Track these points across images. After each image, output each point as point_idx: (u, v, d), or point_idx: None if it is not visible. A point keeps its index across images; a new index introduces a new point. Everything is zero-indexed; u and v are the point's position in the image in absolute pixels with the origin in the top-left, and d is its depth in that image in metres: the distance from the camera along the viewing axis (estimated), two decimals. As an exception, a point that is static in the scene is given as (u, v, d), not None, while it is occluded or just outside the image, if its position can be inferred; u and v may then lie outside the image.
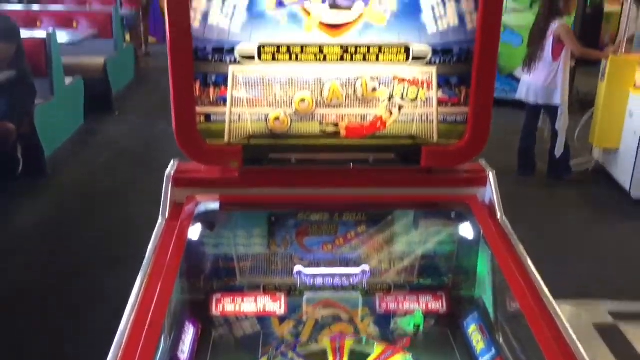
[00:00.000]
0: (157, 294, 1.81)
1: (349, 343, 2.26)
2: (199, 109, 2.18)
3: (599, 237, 4.90)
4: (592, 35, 9.33)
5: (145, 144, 6.54)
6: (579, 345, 1.67)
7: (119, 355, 1.57)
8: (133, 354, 1.58)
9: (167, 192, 2.23)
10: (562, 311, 1.81)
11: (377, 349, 2.19)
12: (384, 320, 2.41)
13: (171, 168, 2.32)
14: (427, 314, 2.40)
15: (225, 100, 2.18)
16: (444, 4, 2.13)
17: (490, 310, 2.30)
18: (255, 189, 2.32)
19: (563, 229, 4.96)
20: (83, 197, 5.32)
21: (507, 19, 7.44)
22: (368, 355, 2.20)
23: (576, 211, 5.40)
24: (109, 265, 4.10)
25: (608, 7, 10.37)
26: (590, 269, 4.36)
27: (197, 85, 2.16)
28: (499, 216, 2.23)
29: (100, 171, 5.89)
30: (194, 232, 2.26)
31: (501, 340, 2.20)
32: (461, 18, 2.14)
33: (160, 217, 2.19)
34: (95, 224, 4.79)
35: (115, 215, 4.91)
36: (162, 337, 2.05)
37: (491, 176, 2.32)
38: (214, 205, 2.31)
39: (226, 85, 2.16)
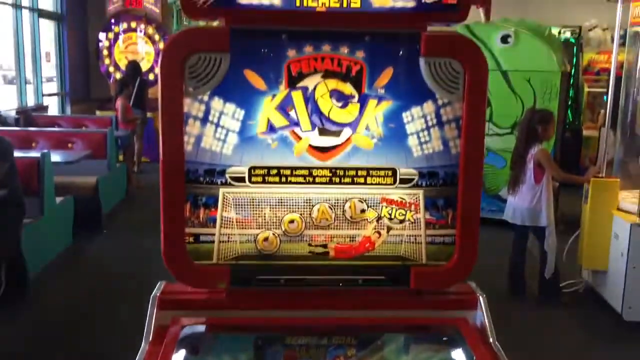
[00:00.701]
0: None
1: None
2: (188, 230, 2.19)
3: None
4: (572, 158, 9.64)
5: (133, 264, 6.46)
6: None
7: None
8: None
9: (151, 315, 2.19)
10: None
11: None
12: None
13: (157, 290, 2.29)
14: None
15: (214, 221, 2.19)
16: (429, 130, 2.22)
17: None
18: (242, 311, 2.28)
19: (556, 353, 4.84)
20: (65, 321, 5.16)
21: (490, 142, 7.70)
22: None
23: (568, 335, 5.29)
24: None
25: (586, 132, 10.80)
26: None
27: (188, 206, 2.18)
28: (490, 340, 2.19)
29: (84, 294, 5.76)
30: (178, 358, 2.19)
31: None
32: (445, 143, 2.22)
33: (143, 342, 2.13)
34: (75, 352, 4.62)
35: (97, 341, 4.74)
36: None
37: (481, 300, 2.31)
38: (200, 328, 2.26)
39: (216, 207, 2.19)
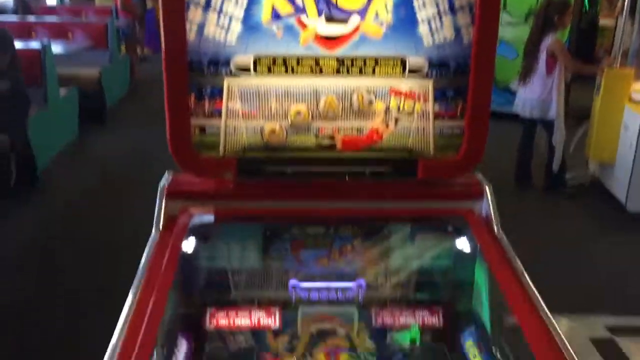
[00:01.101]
0: (150, 308, 1.78)
1: (344, 357, 2.23)
2: (193, 121, 2.16)
3: (595, 251, 4.88)
4: (587, 48, 9.37)
5: (139, 156, 6.52)
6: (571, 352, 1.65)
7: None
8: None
9: (160, 204, 2.21)
10: (559, 325, 1.79)
11: None
12: (379, 335, 2.38)
13: (165, 180, 2.29)
14: (424, 329, 2.37)
15: (220, 113, 2.16)
16: (440, 17, 2.12)
17: (487, 325, 2.28)
18: (250, 202, 2.30)
19: (559, 243, 4.95)
20: (76, 210, 5.28)
21: (502, 32, 7.47)
22: None
23: (572, 225, 5.39)
24: (101, 280, 4.05)
25: (602, 21, 10.43)
26: (587, 283, 4.34)
27: (192, 98, 2.14)
28: (495, 230, 2.22)
29: (93, 183, 5.86)
30: (188, 245, 2.24)
31: (498, 355, 2.17)
32: (457, 31, 2.14)
33: (153, 230, 2.16)
34: (87, 237, 4.75)
35: (107, 229, 4.87)
36: (155, 352, 2.02)
37: (487, 190, 2.31)
38: (208, 218, 2.28)
39: (221, 98, 2.15)
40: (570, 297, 3.98)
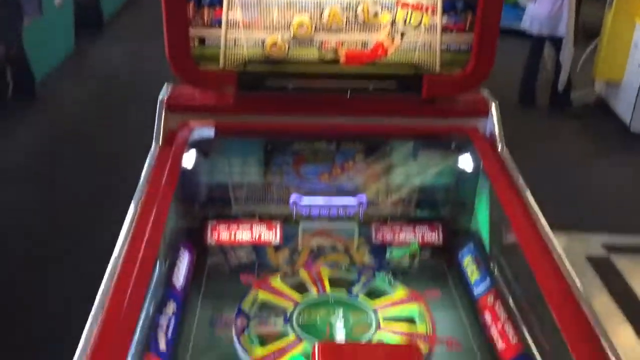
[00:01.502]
0: (151, 219, 1.78)
1: (324, 271, 2.24)
2: (192, 32, 2.09)
3: (597, 170, 4.88)
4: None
5: (138, 68, 6.39)
6: (575, 278, 1.66)
7: (114, 279, 1.55)
8: (128, 278, 1.56)
9: (160, 117, 2.17)
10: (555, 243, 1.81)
11: (399, 292, 2.17)
12: (379, 251, 2.40)
13: (164, 92, 2.24)
14: (423, 246, 2.39)
15: (220, 23, 2.08)
16: None
17: (486, 242, 2.30)
18: (250, 116, 2.26)
19: (561, 162, 4.94)
20: (75, 122, 5.23)
21: (514, -57, 7.17)
22: (350, 282, 2.21)
23: (575, 144, 5.36)
24: (102, 192, 4.07)
25: None
26: (586, 201, 4.36)
27: (191, 6, 2.06)
28: (499, 148, 2.19)
29: (91, 96, 5.78)
30: (189, 158, 2.22)
31: (496, 271, 2.20)
32: (469, -62, 2.03)
33: (153, 143, 2.14)
34: (87, 149, 4.73)
35: (106, 142, 4.85)
36: (157, 263, 2.04)
37: (494, 107, 2.26)
38: (209, 132, 2.25)
39: (221, 6, 2.07)
40: (568, 215, 4.01)
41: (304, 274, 2.24)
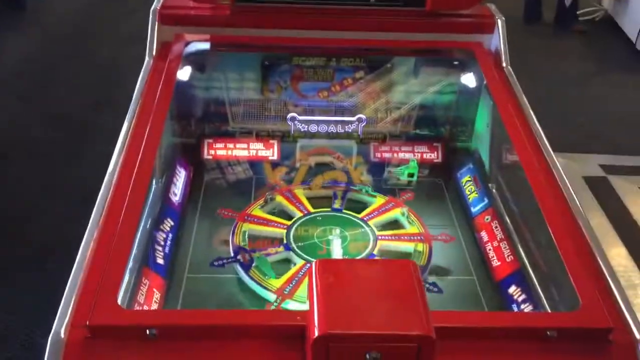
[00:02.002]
0: (146, 134, 1.74)
1: (299, 192, 2.23)
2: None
3: (600, 89, 4.80)
4: None
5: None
6: (575, 197, 1.65)
7: (109, 195, 1.54)
8: (123, 194, 1.54)
9: (153, 29, 2.09)
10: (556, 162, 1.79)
11: (379, 200, 2.18)
12: (377, 169, 2.38)
13: (157, 2, 2.15)
14: (422, 164, 2.37)
15: None
16: None
17: (486, 161, 2.28)
18: (247, 29, 2.18)
19: (564, 80, 4.85)
20: (65, 31, 5.09)
21: None
22: (365, 203, 2.21)
23: (579, 62, 5.25)
24: (95, 105, 4.00)
25: None
26: (587, 121, 4.32)
27: None
28: (504, 64, 2.13)
29: (82, 7, 5.59)
30: (184, 73, 2.16)
31: (494, 190, 2.19)
32: None
33: (146, 56, 2.07)
34: (77, 62, 4.62)
35: (97, 54, 4.73)
36: (153, 180, 2.02)
37: (499, 23, 2.18)
38: (204, 45, 2.18)
39: None
40: (568, 135, 3.98)
41: (281, 199, 2.20)
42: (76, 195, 2.92)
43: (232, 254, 1.94)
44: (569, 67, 5.14)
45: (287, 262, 1.96)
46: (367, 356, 1.00)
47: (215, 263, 1.90)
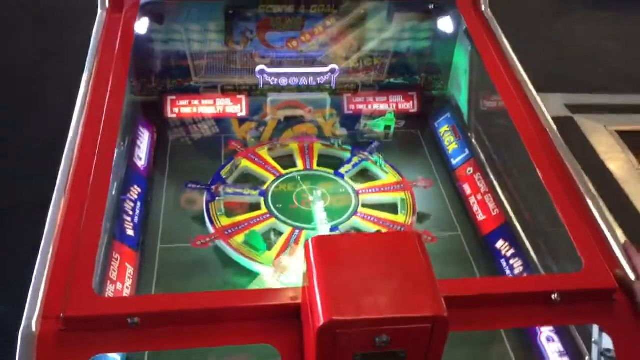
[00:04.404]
0: (108, 94, 1.58)
1: (316, 146, 2.15)
2: None
3: (564, 26, 4.75)
4: None
5: None
6: (560, 138, 1.60)
7: (72, 165, 1.39)
8: (88, 163, 1.40)
9: (105, -22, 1.89)
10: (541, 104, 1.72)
11: (390, 178, 2.05)
12: (351, 122, 2.28)
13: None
14: (397, 115, 2.27)
15: None
16: None
17: (464, 110, 2.20)
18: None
19: (527, 19, 4.77)
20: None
21: None
22: (339, 160, 2.11)
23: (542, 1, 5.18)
24: (45, 57, 3.74)
25: None
26: (551, 60, 4.27)
27: None
28: (483, 8, 2.02)
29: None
30: (141, 25, 1.98)
31: (474, 140, 2.12)
32: None
33: (99, 8, 1.87)
34: (20, 9, 4.30)
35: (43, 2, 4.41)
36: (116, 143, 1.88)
37: (478, -39, 2.06)
38: (161, -6, 1.99)
39: None
40: (532, 75, 3.93)
41: (294, 146, 2.14)
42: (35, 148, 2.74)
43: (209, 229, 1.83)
44: (532, 5, 5.06)
45: (273, 231, 1.87)
46: (377, 340, 0.93)
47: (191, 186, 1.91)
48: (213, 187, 1.92)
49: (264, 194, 1.92)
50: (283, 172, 2.04)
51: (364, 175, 2.09)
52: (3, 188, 2.78)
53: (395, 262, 1.01)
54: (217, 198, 1.88)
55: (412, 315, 0.93)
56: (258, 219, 1.86)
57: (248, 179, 2.05)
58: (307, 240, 1.03)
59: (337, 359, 0.95)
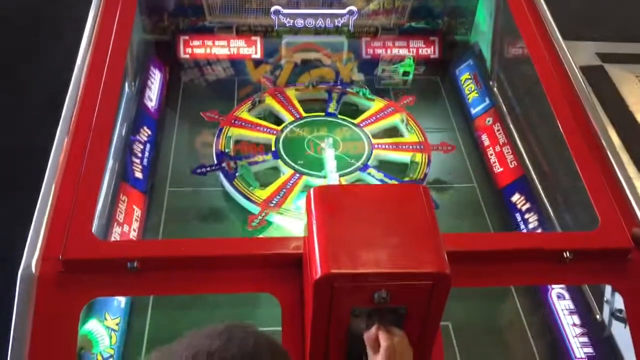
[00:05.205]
0: (114, 30, 1.52)
1: (291, 93, 2.07)
2: None
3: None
4: None
5: None
6: (585, 89, 1.52)
7: (77, 100, 1.35)
8: (93, 101, 1.36)
9: None
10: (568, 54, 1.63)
11: (377, 104, 2.03)
12: (369, 67, 2.20)
13: None
14: (417, 60, 2.19)
15: None
16: None
17: (487, 57, 2.10)
18: None
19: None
20: None
21: None
22: (363, 107, 2.05)
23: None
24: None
25: None
26: (582, 7, 4.08)
27: None
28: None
29: None
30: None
31: (495, 88, 2.04)
32: None
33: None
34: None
35: None
36: (126, 84, 1.84)
37: None
38: None
39: None
40: (562, 23, 3.77)
41: (270, 101, 2.04)
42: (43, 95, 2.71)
43: (215, 161, 1.80)
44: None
45: (275, 170, 1.83)
46: (375, 296, 0.90)
47: (198, 171, 1.76)
48: (224, 164, 1.79)
49: (276, 156, 1.85)
50: (303, 114, 1.99)
51: (388, 130, 2.01)
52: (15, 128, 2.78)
53: (399, 215, 0.97)
54: (237, 174, 1.77)
55: (413, 271, 0.89)
56: (262, 155, 1.83)
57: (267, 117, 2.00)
58: (308, 190, 0.99)
59: (334, 312, 0.93)
